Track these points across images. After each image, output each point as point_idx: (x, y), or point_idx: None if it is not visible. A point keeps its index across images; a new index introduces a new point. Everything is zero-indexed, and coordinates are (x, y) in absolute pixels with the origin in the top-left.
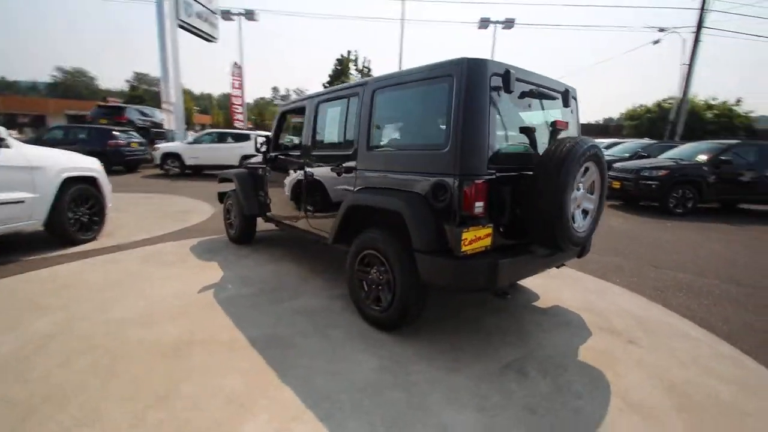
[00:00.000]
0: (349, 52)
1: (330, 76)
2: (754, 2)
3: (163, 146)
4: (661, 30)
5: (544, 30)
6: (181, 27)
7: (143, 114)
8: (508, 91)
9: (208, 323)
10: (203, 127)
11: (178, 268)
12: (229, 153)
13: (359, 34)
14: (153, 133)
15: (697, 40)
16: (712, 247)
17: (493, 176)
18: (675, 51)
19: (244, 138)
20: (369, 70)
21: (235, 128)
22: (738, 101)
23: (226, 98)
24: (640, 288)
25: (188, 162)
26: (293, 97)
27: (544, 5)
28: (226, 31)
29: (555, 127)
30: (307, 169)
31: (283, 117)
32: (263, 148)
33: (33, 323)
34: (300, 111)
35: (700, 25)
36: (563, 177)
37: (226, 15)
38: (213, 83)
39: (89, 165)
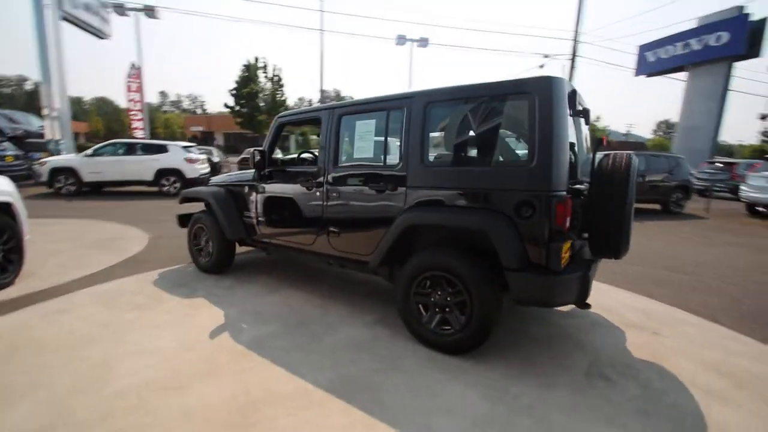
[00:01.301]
0: (256, 58)
1: (237, 82)
2: (614, 37)
3: (52, 160)
4: (546, 56)
5: (456, 49)
6: (66, 20)
7: (12, 120)
8: (574, 109)
9: (256, 376)
10: (76, 136)
11: (159, 311)
12: (140, 167)
13: (273, 41)
14: (30, 144)
15: (573, 66)
16: (637, 240)
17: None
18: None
19: (160, 149)
20: (279, 78)
21: (134, 137)
22: (597, 118)
23: (101, 103)
24: (616, 282)
25: (87, 179)
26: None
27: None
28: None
29: (602, 143)
30: (329, 187)
31: (281, 129)
32: (258, 161)
33: (6, 417)
34: (307, 123)
35: (574, 54)
36: (630, 189)
37: (120, 9)
38: (79, 84)
39: (1, 187)
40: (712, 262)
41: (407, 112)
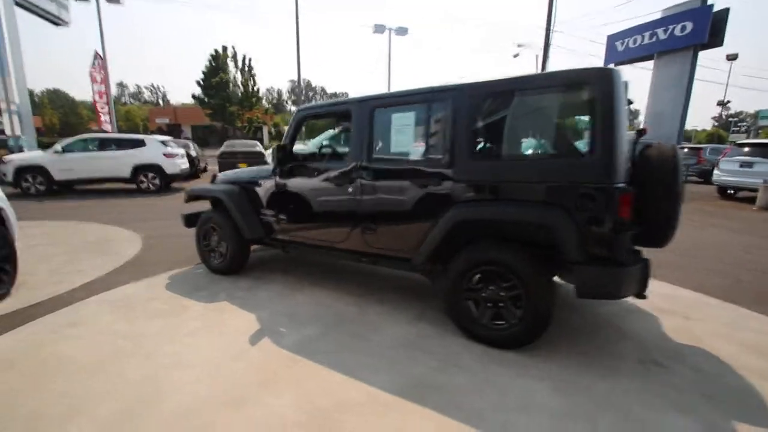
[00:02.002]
0: (224, 47)
1: (204, 72)
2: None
3: (17, 158)
4: (520, 45)
5: (433, 39)
6: (20, 6)
7: None
8: (628, 101)
9: (315, 382)
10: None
11: (186, 318)
12: (116, 163)
13: (244, 30)
14: None
15: (546, 56)
16: None
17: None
18: (532, 65)
19: (137, 144)
20: (251, 68)
21: (103, 131)
22: None
23: (53, 95)
24: None
25: (58, 177)
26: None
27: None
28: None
29: (643, 133)
30: (364, 182)
31: (301, 123)
32: (279, 156)
33: None
34: (332, 116)
35: (547, 44)
36: (679, 179)
37: None
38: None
39: None
40: (708, 244)
41: (453, 104)
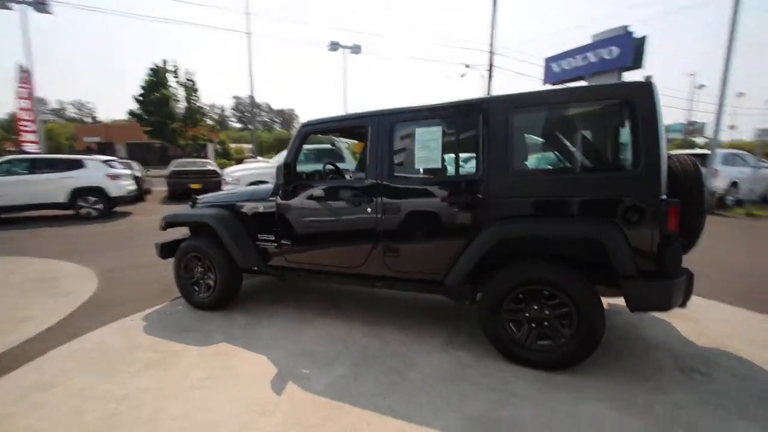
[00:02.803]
0: (165, 61)
1: (143, 87)
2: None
3: None
4: (467, 66)
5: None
6: None
7: None
8: None
9: (369, 431)
10: None
11: (183, 367)
12: (50, 187)
13: (187, 44)
14: None
15: (490, 76)
16: None
17: None
18: (477, 84)
19: (74, 165)
20: (193, 83)
21: (22, 151)
22: None
23: None
24: None
25: None
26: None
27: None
28: None
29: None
30: (385, 201)
31: (305, 138)
32: (285, 176)
33: None
34: (342, 131)
35: (491, 65)
36: (705, 191)
37: (2, 2)
38: None
39: None
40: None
41: (485, 118)
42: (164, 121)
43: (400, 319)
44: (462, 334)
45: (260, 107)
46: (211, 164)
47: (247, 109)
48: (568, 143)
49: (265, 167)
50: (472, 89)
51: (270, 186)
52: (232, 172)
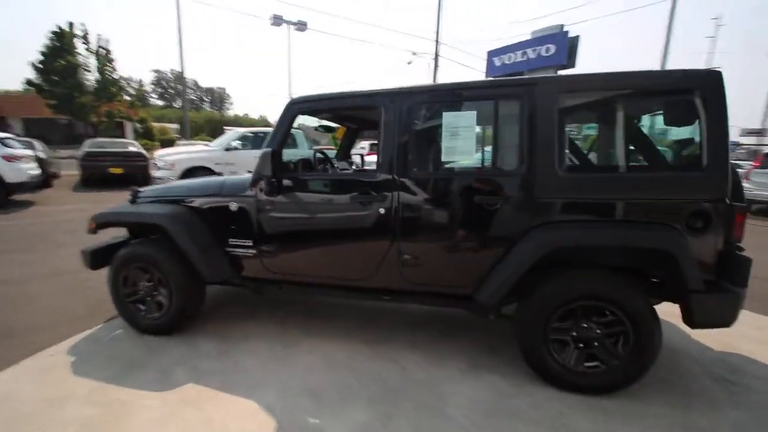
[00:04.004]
0: (71, 24)
1: (43, 53)
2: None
3: None
4: (414, 54)
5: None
6: None
7: None
8: None
9: None
10: None
11: (136, 427)
12: None
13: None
14: None
15: (436, 65)
16: None
17: None
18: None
19: None
20: (108, 51)
21: None
22: None
23: None
24: None
25: None
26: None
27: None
28: None
29: None
30: (405, 199)
31: (294, 119)
32: (266, 169)
33: None
34: (342, 112)
35: (437, 54)
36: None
37: None
38: None
39: None
40: None
41: (529, 102)
42: (71, 93)
43: (406, 335)
44: (482, 350)
45: (186, 84)
46: (134, 145)
47: (170, 84)
48: (624, 137)
49: (205, 152)
50: (418, 78)
51: (245, 177)
52: (165, 155)
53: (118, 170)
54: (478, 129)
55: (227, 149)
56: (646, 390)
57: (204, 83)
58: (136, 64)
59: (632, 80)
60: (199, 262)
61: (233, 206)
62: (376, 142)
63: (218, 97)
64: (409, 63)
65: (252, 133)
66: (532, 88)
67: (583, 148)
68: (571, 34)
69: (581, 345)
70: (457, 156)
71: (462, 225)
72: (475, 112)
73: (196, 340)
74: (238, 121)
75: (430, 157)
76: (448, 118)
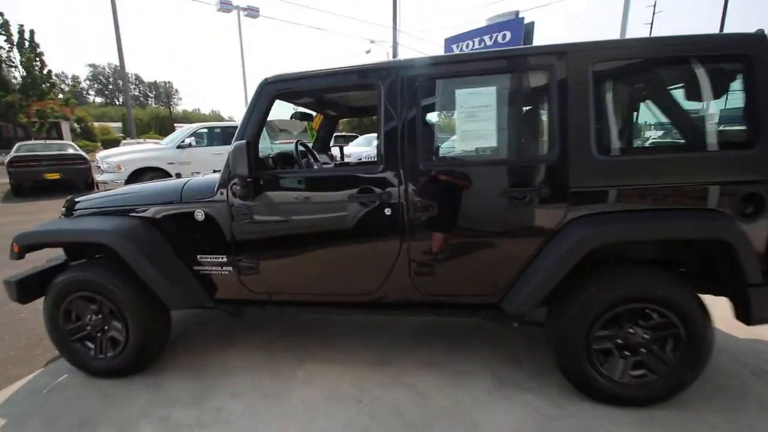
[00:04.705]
0: None
1: None
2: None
3: None
4: (372, 42)
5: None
6: None
7: None
8: None
9: None
10: None
11: None
12: None
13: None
14: None
15: (395, 54)
16: None
17: None
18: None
19: None
20: (35, 45)
21: None
22: None
23: None
24: None
25: None
26: None
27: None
28: None
29: None
30: (413, 197)
31: (272, 103)
32: (241, 167)
33: None
34: (331, 93)
35: (395, 42)
36: None
37: None
38: None
39: None
40: None
41: (559, 74)
42: None
43: (414, 351)
44: (505, 362)
45: (127, 77)
46: (73, 147)
47: (109, 80)
48: (667, 112)
49: (155, 150)
50: None
51: (209, 178)
52: (108, 156)
53: (54, 175)
54: (500, 108)
55: (180, 147)
56: (690, 394)
57: (147, 78)
58: (69, 59)
59: (674, 45)
60: (160, 287)
61: (199, 215)
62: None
63: (164, 92)
64: (368, 52)
65: (206, 128)
66: (562, 57)
67: (622, 127)
68: (527, 21)
69: (627, 353)
70: (475, 142)
71: (483, 223)
72: (494, 88)
73: (163, 380)
74: (188, 117)
75: (442, 145)
76: (463, 96)
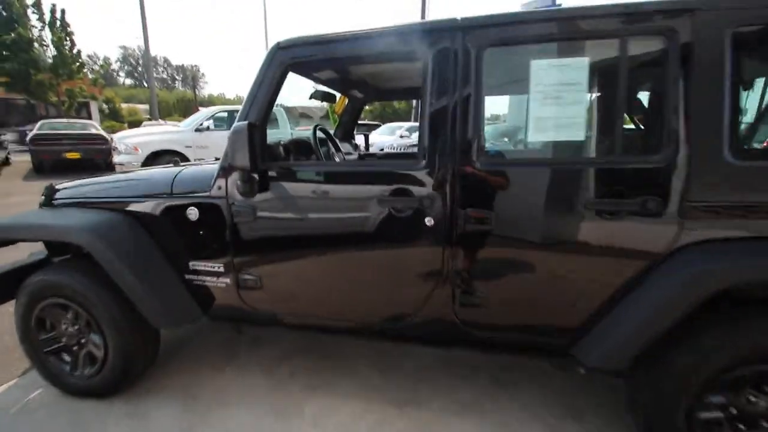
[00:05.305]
0: None
1: None
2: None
3: None
4: None
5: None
6: None
7: None
8: None
9: None
10: None
11: None
12: None
13: None
14: None
15: None
16: None
17: None
18: None
19: None
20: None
21: None
22: None
23: None
24: None
25: None
26: None
27: None
28: None
29: None
30: (466, 202)
31: (285, 76)
32: (241, 156)
33: None
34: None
35: None
36: None
37: None
38: None
39: None
40: None
41: (681, 43)
42: (26, 70)
43: (444, 387)
44: (563, 410)
45: (156, 61)
46: (94, 126)
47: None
48: None
49: (173, 133)
50: None
51: (208, 167)
52: (126, 137)
53: (75, 155)
54: (592, 87)
55: (197, 129)
56: None
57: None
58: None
59: None
60: (143, 301)
61: (192, 212)
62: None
63: (191, 76)
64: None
65: (227, 111)
66: (687, 16)
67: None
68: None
69: (742, 426)
70: (555, 133)
71: (557, 243)
72: (587, 60)
73: (147, 407)
74: (212, 101)
75: (508, 135)
76: (542, 70)
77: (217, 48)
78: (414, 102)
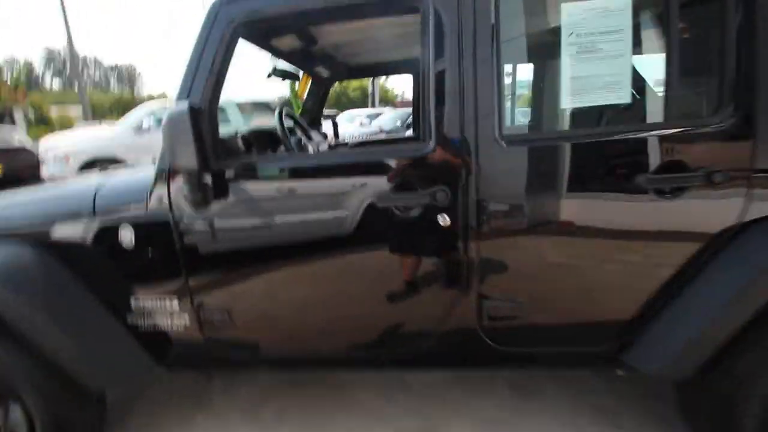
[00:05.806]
0: None
1: None
2: None
3: None
4: None
5: None
6: None
7: None
8: None
9: None
10: None
11: None
12: None
13: None
14: None
15: None
16: None
17: None
18: None
19: None
20: None
21: None
22: None
23: None
24: None
25: None
26: None
27: None
28: None
29: None
30: (485, 196)
31: (235, 41)
32: (183, 153)
33: None
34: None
35: None
36: None
37: None
38: None
39: None
40: None
41: None
42: None
43: (451, 403)
44: (597, 423)
45: (86, 63)
46: (17, 134)
47: (65, 64)
48: None
49: (108, 137)
50: None
51: (140, 175)
52: (53, 146)
53: None
54: (637, 36)
55: (138, 129)
56: None
57: (108, 61)
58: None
59: None
60: (73, 361)
61: (125, 236)
62: None
63: (128, 76)
64: None
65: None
66: None
67: None
68: None
69: None
70: (594, 96)
71: (606, 230)
72: (629, 2)
73: None
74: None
75: (536, 103)
76: (576, 13)
77: (153, 45)
78: (370, 88)
